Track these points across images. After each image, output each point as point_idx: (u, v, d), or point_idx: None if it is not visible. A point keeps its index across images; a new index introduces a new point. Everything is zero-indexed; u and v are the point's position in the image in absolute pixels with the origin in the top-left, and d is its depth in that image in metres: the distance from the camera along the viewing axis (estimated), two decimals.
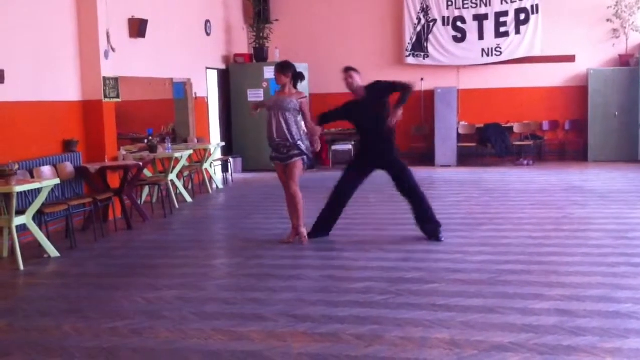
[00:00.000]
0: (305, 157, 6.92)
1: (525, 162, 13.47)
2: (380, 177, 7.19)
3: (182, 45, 11.52)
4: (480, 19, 13.93)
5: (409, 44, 14.26)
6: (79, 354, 4.16)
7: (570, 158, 13.93)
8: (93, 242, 7.40)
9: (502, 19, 13.86)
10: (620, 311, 4.61)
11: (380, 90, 6.93)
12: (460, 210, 8.62)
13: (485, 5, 13.87)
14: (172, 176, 9.69)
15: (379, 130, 6.85)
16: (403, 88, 6.85)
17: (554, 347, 4.00)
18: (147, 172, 9.62)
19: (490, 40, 13.93)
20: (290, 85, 7.00)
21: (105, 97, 8.75)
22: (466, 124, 14.04)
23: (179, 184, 10.03)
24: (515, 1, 13.78)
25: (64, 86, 8.39)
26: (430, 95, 13.62)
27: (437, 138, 13.61)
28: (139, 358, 4.09)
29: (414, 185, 6.95)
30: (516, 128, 13.99)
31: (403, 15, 14.24)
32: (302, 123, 7.10)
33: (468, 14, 13.97)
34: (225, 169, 12.53)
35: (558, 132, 14.18)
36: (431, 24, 14.14)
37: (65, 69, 8.41)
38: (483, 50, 13.97)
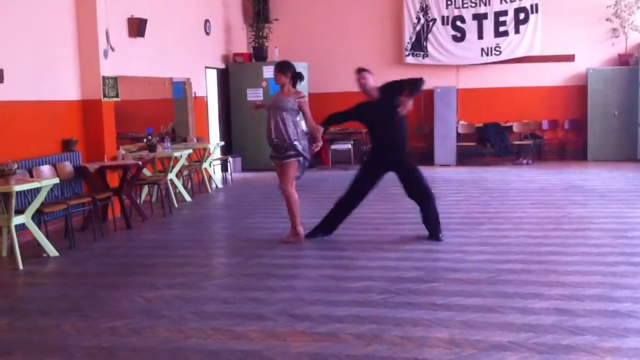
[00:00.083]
0: (301, 158, 6.91)
1: (525, 162, 13.47)
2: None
3: (182, 44, 11.52)
4: (479, 18, 13.93)
5: (408, 43, 14.26)
6: (78, 354, 4.16)
7: (570, 157, 13.94)
8: (92, 242, 7.40)
9: (501, 19, 13.87)
10: (620, 310, 4.61)
11: (393, 90, 6.91)
12: (459, 209, 8.62)
13: (485, 5, 13.87)
14: (172, 175, 9.69)
15: (392, 132, 6.86)
16: (411, 81, 6.89)
17: (553, 347, 4.00)
18: (147, 172, 9.62)
19: (489, 39, 13.93)
20: (289, 85, 7.00)
21: (105, 96, 8.75)
22: (465, 123, 14.04)
23: (178, 184, 10.03)
24: (515, 0, 13.79)
25: (63, 85, 8.39)
26: (429, 94, 13.62)
27: (436, 137, 13.62)
28: (139, 357, 4.09)
29: (425, 187, 6.94)
30: (515, 127, 14.00)
31: (402, 15, 14.24)
32: (302, 123, 7.10)
33: (467, 14, 13.97)
34: (224, 168, 12.53)
35: (557, 132, 14.18)
36: (430, 23, 14.14)
37: (64, 68, 8.40)
38: (482, 49, 13.97)
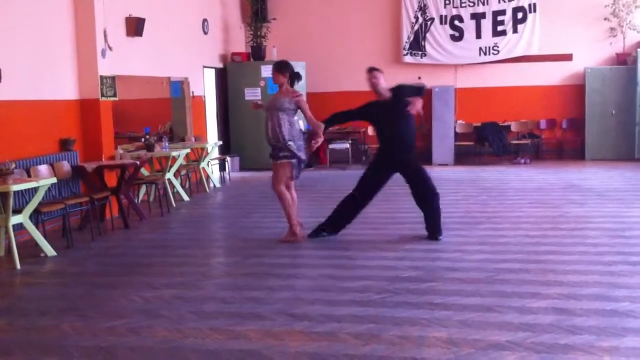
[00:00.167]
0: (295, 160, 6.90)
1: (523, 161, 13.48)
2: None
3: (180, 44, 11.51)
4: (477, 17, 13.93)
5: (406, 42, 14.26)
6: (77, 353, 4.16)
7: (568, 157, 13.95)
8: (90, 241, 7.39)
9: (499, 18, 13.87)
10: (617, 310, 4.62)
11: (405, 93, 6.96)
12: (458, 209, 8.62)
13: (483, 4, 13.87)
14: (170, 175, 9.68)
15: (403, 132, 6.87)
16: (419, 88, 7.16)
17: (551, 346, 4.01)
18: (144, 171, 9.61)
19: (487, 39, 13.93)
20: (287, 84, 7.00)
21: (102, 95, 8.74)
22: (463, 122, 14.05)
23: (176, 183, 10.03)
24: (513, 0, 13.78)
25: (61, 85, 8.38)
26: (427, 94, 13.57)
27: (434, 137, 13.62)
28: (137, 357, 4.09)
29: (432, 187, 6.93)
30: (513, 127, 14.00)
31: (400, 14, 14.24)
32: (299, 123, 7.10)
33: (465, 13, 13.97)
34: (222, 167, 12.53)
35: (555, 131, 14.19)
36: (429, 22, 14.14)
37: (62, 67, 8.39)
38: (480, 49, 13.98)
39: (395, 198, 8.88)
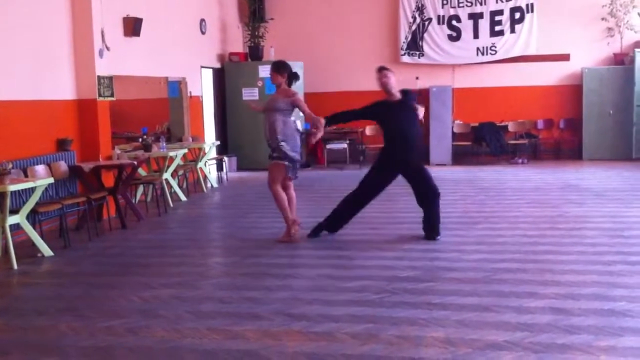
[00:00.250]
0: (286, 161, 6.90)
1: (520, 161, 13.49)
2: None
3: (177, 44, 11.50)
4: (475, 17, 13.94)
5: (404, 42, 14.26)
6: (74, 353, 4.15)
7: (565, 157, 13.96)
8: (87, 241, 7.38)
9: (497, 18, 13.88)
10: (615, 309, 4.62)
11: (412, 98, 7.07)
12: (455, 208, 8.62)
13: (481, 4, 13.88)
14: (167, 175, 9.67)
15: (410, 133, 6.87)
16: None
17: (549, 346, 4.01)
18: (142, 171, 9.60)
19: (485, 39, 13.94)
20: (285, 84, 7.00)
21: (100, 95, 8.73)
22: (461, 122, 14.05)
23: (174, 183, 10.01)
24: (511, 0, 13.80)
25: (58, 85, 8.36)
26: (425, 94, 13.61)
27: (432, 137, 13.62)
28: (135, 357, 4.08)
29: (433, 186, 6.93)
30: (511, 127, 14.00)
31: (398, 14, 14.24)
32: (296, 123, 7.10)
33: (463, 13, 13.98)
34: (220, 167, 12.52)
35: (553, 131, 14.20)
36: (426, 22, 14.14)
37: (59, 67, 8.38)
38: (478, 49, 13.98)
39: (394, 198, 8.87)
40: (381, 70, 6.95)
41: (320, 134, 6.92)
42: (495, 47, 13.91)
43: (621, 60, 13.43)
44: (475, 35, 13.96)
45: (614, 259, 5.98)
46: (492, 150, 13.65)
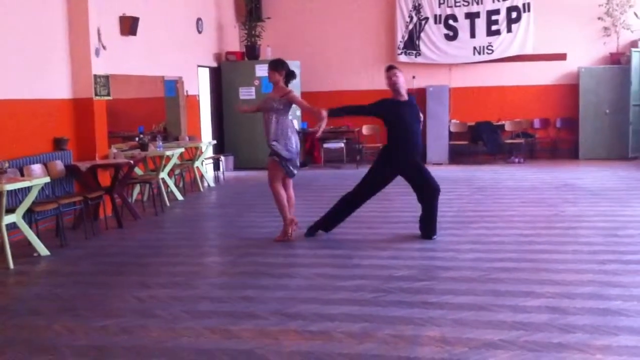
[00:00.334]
0: (276, 157, 6.91)
1: (517, 160, 13.51)
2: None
3: (174, 43, 11.49)
4: (472, 17, 13.95)
5: (400, 42, 14.27)
6: (70, 353, 4.15)
7: (562, 156, 13.97)
8: (84, 241, 7.37)
9: (493, 17, 13.89)
10: (611, 308, 4.63)
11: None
12: (451, 208, 8.63)
13: (477, 4, 13.89)
14: (164, 174, 9.66)
15: (414, 133, 6.88)
16: None
17: (544, 345, 4.02)
18: (138, 171, 9.59)
19: (482, 38, 13.95)
20: (282, 83, 6.99)
21: (96, 95, 8.72)
22: (458, 122, 14.06)
23: (170, 182, 10.01)
24: None
25: (54, 84, 8.35)
26: (422, 93, 13.63)
27: (429, 136, 13.62)
28: (131, 357, 4.08)
29: (434, 181, 6.93)
30: (507, 126, 14.02)
31: (395, 13, 14.25)
32: (292, 122, 7.09)
33: (460, 12, 13.99)
34: (216, 167, 12.52)
35: (549, 130, 14.22)
36: (423, 22, 14.15)
37: (55, 66, 8.37)
38: (475, 48, 13.99)
39: (390, 198, 8.88)
40: (391, 69, 6.93)
41: (323, 125, 6.85)
42: (492, 46, 13.93)
43: (617, 59, 13.45)
44: (472, 35, 13.97)
45: (609, 258, 6.00)
46: (488, 149, 13.67)
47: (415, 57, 14.23)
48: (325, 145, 13.80)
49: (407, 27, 14.22)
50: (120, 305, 5.08)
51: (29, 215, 6.90)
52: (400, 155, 6.89)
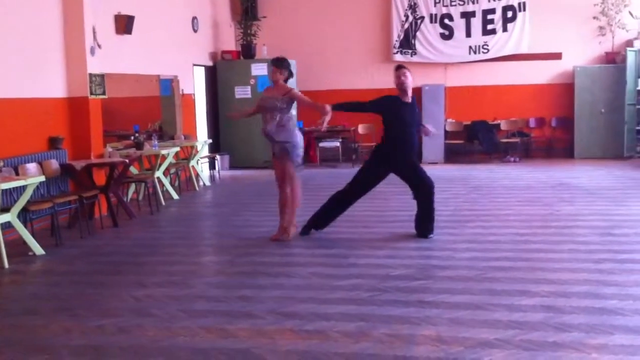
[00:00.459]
0: (291, 154, 6.92)
1: (512, 159, 13.53)
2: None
3: (169, 41, 11.47)
4: (467, 16, 13.96)
5: (396, 41, 14.27)
6: (66, 352, 4.13)
7: (557, 155, 14.00)
8: (79, 240, 7.36)
9: (489, 17, 13.90)
10: (606, 307, 4.64)
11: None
12: (447, 207, 8.64)
13: (473, 3, 13.90)
14: (159, 173, 9.64)
15: (412, 134, 6.90)
16: None
17: (540, 343, 4.02)
18: (134, 170, 9.57)
19: (477, 37, 13.97)
20: (282, 81, 6.96)
21: (91, 93, 8.70)
22: (453, 121, 14.07)
23: (166, 181, 9.99)
24: None
25: (49, 83, 8.33)
26: (417, 92, 13.61)
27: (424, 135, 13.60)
28: (127, 356, 4.07)
29: (428, 178, 6.93)
30: (503, 125, 14.04)
31: (391, 13, 14.25)
32: (291, 120, 7.07)
33: (455, 12, 14.00)
34: (212, 166, 12.50)
35: (545, 129, 14.24)
36: (419, 21, 14.16)
37: (50, 65, 8.35)
38: (470, 47, 14.01)
39: (386, 197, 8.89)
40: (400, 68, 6.91)
41: (328, 118, 6.78)
42: (488, 45, 13.94)
43: (613, 59, 13.48)
44: (468, 34, 13.99)
45: (604, 257, 6.01)
46: (484, 148, 13.68)
47: (411, 56, 14.23)
48: (321, 145, 13.79)
49: (402, 26, 14.23)
50: (117, 304, 5.07)
51: (23, 215, 6.88)
52: (398, 155, 6.89)
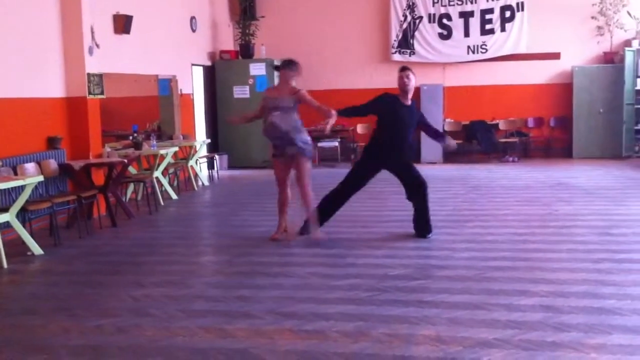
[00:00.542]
0: (306, 152, 6.93)
1: (511, 159, 13.54)
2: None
3: (168, 41, 11.47)
4: (465, 16, 13.97)
5: (395, 41, 14.28)
6: (65, 352, 4.13)
7: (555, 155, 14.01)
8: (77, 240, 7.35)
9: (487, 16, 13.91)
10: (605, 307, 4.64)
11: (418, 112, 7.11)
12: (446, 207, 8.64)
13: (471, 3, 13.91)
14: (157, 173, 9.64)
15: (406, 137, 6.88)
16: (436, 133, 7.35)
17: (539, 343, 4.03)
18: (132, 169, 9.57)
19: (475, 37, 13.97)
20: (291, 82, 6.95)
21: (90, 93, 8.69)
22: (452, 121, 14.08)
23: (164, 181, 9.99)
24: None
25: (48, 82, 8.32)
26: (416, 92, 13.58)
27: (423, 135, 13.58)
28: (125, 356, 4.07)
29: (420, 177, 6.93)
30: (502, 125, 14.05)
31: (389, 12, 14.25)
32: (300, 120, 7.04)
33: (454, 11, 14.00)
34: (211, 165, 12.50)
35: (543, 129, 14.25)
36: (417, 21, 14.16)
37: (49, 65, 8.34)
38: (469, 47, 14.01)
39: (385, 196, 8.89)
40: (404, 69, 6.91)
41: (332, 121, 6.75)
42: (486, 45, 13.95)
43: (611, 58, 13.49)
44: (466, 34, 13.99)
45: (603, 256, 6.02)
46: (483, 148, 13.69)
47: (410, 56, 14.23)
48: (320, 144, 13.77)
49: (401, 26, 14.23)
50: (115, 304, 5.07)
51: (22, 214, 6.87)
52: (383, 152, 6.89)
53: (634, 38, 13.26)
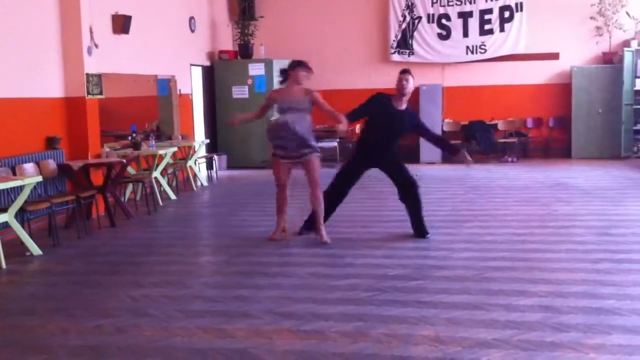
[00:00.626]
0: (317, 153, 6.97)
1: (510, 159, 13.54)
2: (366, 175, 7.19)
3: (167, 41, 11.46)
4: (464, 16, 13.97)
5: (394, 41, 14.27)
6: (64, 353, 4.13)
7: (554, 155, 14.01)
8: (76, 240, 7.35)
9: (486, 17, 13.91)
10: (604, 307, 4.64)
11: (412, 117, 7.04)
12: (445, 207, 8.65)
13: (470, 3, 13.91)
14: (156, 173, 9.63)
15: (391, 143, 6.88)
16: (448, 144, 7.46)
17: (538, 343, 4.03)
18: (131, 170, 9.56)
19: (474, 37, 13.97)
20: (299, 83, 6.91)
21: (89, 93, 8.69)
22: (451, 121, 14.08)
23: (163, 182, 9.98)
24: None
25: (46, 83, 8.31)
26: (415, 92, 13.59)
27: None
28: (125, 356, 4.07)
29: (410, 176, 6.94)
30: (500, 125, 14.05)
31: (388, 13, 14.25)
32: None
33: (453, 12, 14.00)
34: (209, 166, 12.49)
35: (542, 129, 14.25)
36: (416, 21, 14.16)
37: (47, 65, 8.33)
38: (467, 47, 14.01)
39: (384, 196, 8.88)
40: (405, 72, 6.91)
41: (344, 128, 6.78)
42: (485, 45, 13.95)
43: (610, 59, 13.50)
44: (465, 34, 13.99)
45: (602, 257, 6.02)
46: (481, 148, 13.68)
47: (409, 56, 14.23)
48: (319, 145, 13.76)
49: (400, 26, 14.23)
50: (114, 304, 5.07)
51: (21, 215, 6.87)
52: (372, 149, 6.89)
53: (633, 38, 13.27)
